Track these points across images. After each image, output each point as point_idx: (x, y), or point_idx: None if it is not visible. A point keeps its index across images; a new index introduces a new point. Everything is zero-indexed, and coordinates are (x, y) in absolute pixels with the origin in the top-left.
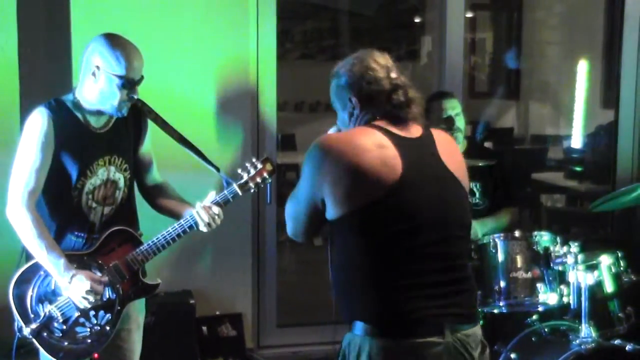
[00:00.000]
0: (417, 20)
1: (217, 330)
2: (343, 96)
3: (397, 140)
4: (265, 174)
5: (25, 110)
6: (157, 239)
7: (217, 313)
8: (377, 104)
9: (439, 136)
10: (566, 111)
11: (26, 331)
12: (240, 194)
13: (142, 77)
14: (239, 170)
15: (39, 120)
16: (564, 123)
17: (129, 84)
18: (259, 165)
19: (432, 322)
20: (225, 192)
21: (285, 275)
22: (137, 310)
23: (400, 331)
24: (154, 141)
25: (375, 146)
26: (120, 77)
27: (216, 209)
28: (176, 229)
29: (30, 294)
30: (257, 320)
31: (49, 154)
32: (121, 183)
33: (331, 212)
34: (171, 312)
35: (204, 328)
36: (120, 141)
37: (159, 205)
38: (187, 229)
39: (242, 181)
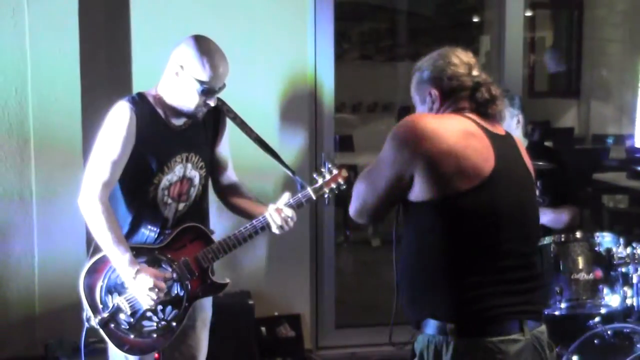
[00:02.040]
0: (475, 19)
1: (276, 331)
2: (423, 90)
3: (487, 132)
4: (340, 180)
5: (86, 111)
6: (228, 237)
7: (276, 314)
8: (457, 100)
9: (515, 137)
10: (628, 110)
11: (94, 321)
12: (314, 198)
13: (223, 85)
14: (314, 175)
15: (122, 113)
16: (626, 122)
17: (209, 90)
18: (335, 171)
19: (512, 319)
20: (299, 195)
21: (343, 276)
22: (204, 309)
23: (483, 329)
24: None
25: (469, 134)
26: (201, 82)
27: (289, 212)
28: (248, 229)
29: (100, 284)
30: (315, 321)
31: (128, 148)
32: (196, 180)
33: (419, 193)
34: (230, 313)
35: (263, 329)
36: (198, 139)
37: (233, 205)
38: (260, 230)
39: (317, 185)
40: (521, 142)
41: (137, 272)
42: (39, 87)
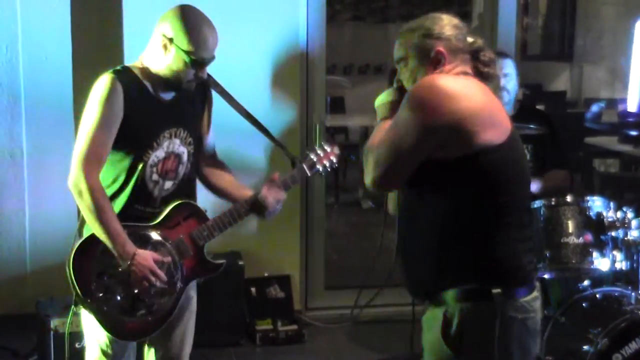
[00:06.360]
0: None
1: (266, 292)
2: (424, 48)
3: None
4: (332, 157)
5: (77, 69)
6: (223, 214)
7: (266, 275)
8: (462, 61)
9: None
10: (621, 74)
11: (85, 304)
12: (309, 174)
13: (213, 57)
14: (307, 151)
15: (108, 86)
16: (619, 86)
17: (198, 63)
18: (328, 148)
19: (534, 276)
20: (294, 172)
21: (333, 238)
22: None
23: (521, 290)
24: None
25: (488, 91)
26: (191, 55)
27: (282, 194)
28: (244, 205)
29: (93, 264)
30: (305, 282)
31: (116, 123)
32: (185, 157)
33: (450, 151)
34: (220, 273)
35: (253, 289)
36: (185, 113)
37: (215, 187)
38: (251, 209)
39: (311, 163)
40: None
41: (135, 255)
42: (29, 45)
